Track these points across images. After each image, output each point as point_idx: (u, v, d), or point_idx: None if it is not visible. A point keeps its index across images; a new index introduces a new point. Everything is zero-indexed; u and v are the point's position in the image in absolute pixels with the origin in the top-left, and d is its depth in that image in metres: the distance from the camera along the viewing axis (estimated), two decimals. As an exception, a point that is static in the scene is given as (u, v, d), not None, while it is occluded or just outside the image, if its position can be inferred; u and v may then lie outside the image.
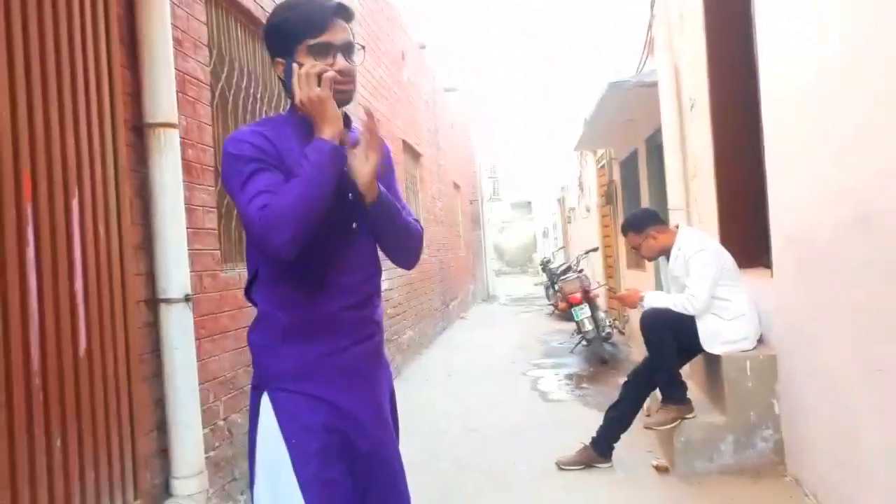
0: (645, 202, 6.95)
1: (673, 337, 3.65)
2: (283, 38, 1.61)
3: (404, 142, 8.68)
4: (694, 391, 4.09)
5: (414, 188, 9.48)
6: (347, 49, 1.62)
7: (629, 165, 8.05)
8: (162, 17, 2.82)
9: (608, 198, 9.43)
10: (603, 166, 9.87)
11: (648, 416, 3.98)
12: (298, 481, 1.56)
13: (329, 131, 1.55)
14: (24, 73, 2.16)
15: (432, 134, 11.17)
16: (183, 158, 3.01)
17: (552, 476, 3.83)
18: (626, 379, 4.00)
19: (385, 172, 1.69)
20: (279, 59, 1.63)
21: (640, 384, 3.86)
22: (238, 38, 4.01)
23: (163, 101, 2.82)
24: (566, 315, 9.37)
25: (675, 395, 3.68)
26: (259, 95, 4.23)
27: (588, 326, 7.52)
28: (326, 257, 1.62)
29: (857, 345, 2.61)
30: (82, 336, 2.37)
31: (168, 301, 2.82)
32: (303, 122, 1.62)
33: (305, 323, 1.62)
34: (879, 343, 2.42)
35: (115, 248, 2.57)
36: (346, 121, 1.65)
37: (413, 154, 9.50)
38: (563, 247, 18.25)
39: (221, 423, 3.33)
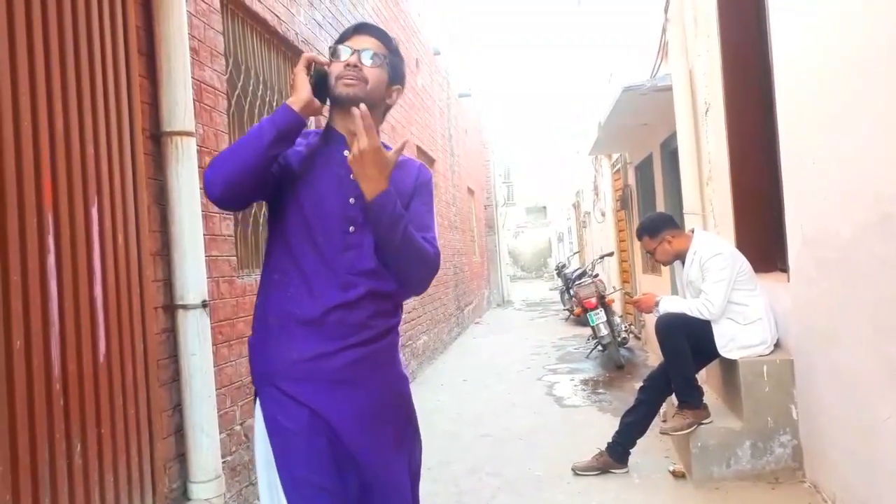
0: (660, 206, 6.91)
1: (689, 342, 3.63)
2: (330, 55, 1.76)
3: (419, 148, 8.71)
4: (710, 396, 4.07)
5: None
6: (366, 55, 1.69)
7: (644, 169, 8.02)
8: (180, 27, 2.86)
9: (623, 202, 9.39)
10: (618, 170, 9.84)
11: (665, 421, 3.96)
12: (281, 481, 1.58)
13: (292, 98, 1.63)
14: (45, 83, 2.20)
15: (446, 140, 11.20)
16: (200, 166, 3.05)
17: (568, 481, 3.81)
18: (642, 384, 3.99)
19: (412, 192, 1.74)
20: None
21: (657, 389, 3.84)
22: (254, 47, 4.06)
23: (180, 110, 2.86)
24: (581, 320, 9.34)
25: (692, 400, 3.65)
26: (276, 103, 4.27)
27: (604, 331, 7.48)
28: (318, 259, 1.64)
29: (878, 346, 2.58)
30: (101, 342, 2.40)
31: (185, 307, 2.85)
32: (327, 129, 1.77)
33: (293, 324, 1.63)
34: (898, 347, 2.39)
35: (133, 255, 2.61)
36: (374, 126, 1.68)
37: (427, 160, 9.53)
38: (579, 251, 18.19)
39: (238, 427, 3.35)
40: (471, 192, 14.23)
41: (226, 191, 1.57)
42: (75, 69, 2.35)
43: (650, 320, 5.97)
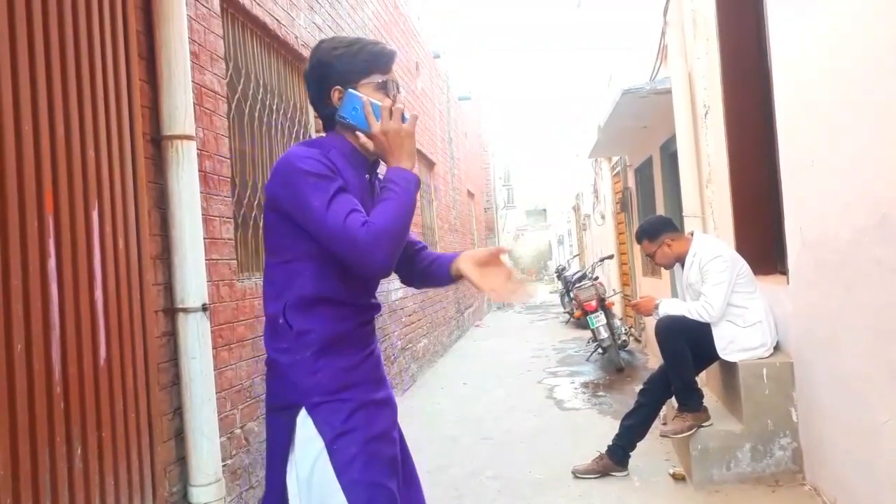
0: (660, 209, 6.92)
1: (688, 344, 3.63)
2: (347, 71, 1.69)
3: (419, 151, 8.72)
4: (710, 399, 4.07)
5: (428, 197, 9.50)
6: (399, 89, 1.75)
7: (644, 172, 8.03)
8: (180, 32, 2.87)
9: (623, 205, 9.40)
10: (618, 173, 9.85)
11: (665, 424, 3.96)
12: (340, 484, 1.59)
13: (409, 163, 1.66)
14: (46, 87, 2.21)
15: (446, 143, 11.22)
16: (200, 170, 3.06)
17: (568, 484, 3.81)
18: (642, 387, 3.99)
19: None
20: (337, 87, 1.68)
21: (656, 392, 3.85)
22: (254, 50, 4.07)
23: (180, 113, 2.86)
24: (581, 323, 9.35)
25: (692, 403, 3.66)
26: (275, 107, 4.28)
27: (604, 334, 7.49)
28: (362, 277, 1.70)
29: (877, 349, 2.58)
30: (102, 345, 2.40)
31: (186, 310, 2.85)
32: (353, 153, 1.72)
33: (338, 339, 1.67)
34: (897, 349, 2.40)
35: (133, 259, 2.61)
36: None
37: (427, 163, 9.54)
38: (579, 254, 18.19)
39: (238, 431, 3.35)
40: (471, 195, 14.24)
41: (395, 264, 1.64)
42: (76, 73, 2.35)
43: (650, 323, 5.97)
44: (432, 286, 1.99)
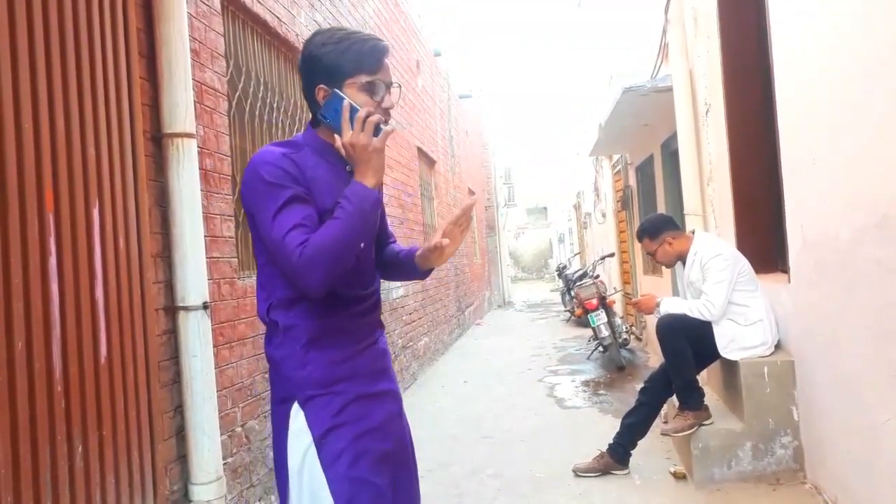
0: (661, 207, 6.92)
1: (689, 343, 3.63)
2: (333, 68, 1.62)
3: (419, 149, 8.72)
4: (711, 397, 4.07)
5: (429, 195, 9.50)
6: (395, 92, 1.69)
7: (645, 170, 8.02)
8: (180, 29, 2.87)
9: (624, 203, 9.40)
10: (618, 171, 9.84)
11: (665, 422, 3.96)
12: (326, 478, 1.59)
13: (374, 180, 1.58)
14: (47, 85, 2.21)
15: (447, 141, 11.21)
16: (200, 168, 3.06)
17: (568, 483, 3.82)
18: (642, 385, 3.99)
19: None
20: (322, 86, 1.63)
21: (657, 390, 3.85)
22: (254, 48, 4.06)
23: (181, 111, 2.86)
24: (582, 321, 9.34)
25: (693, 402, 3.65)
26: (276, 105, 4.27)
27: (604, 332, 7.48)
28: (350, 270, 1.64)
29: (878, 348, 2.58)
30: (103, 344, 2.40)
31: (186, 309, 2.85)
32: (327, 148, 1.68)
33: (326, 332, 1.65)
34: (899, 348, 2.39)
35: (134, 257, 2.61)
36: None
37: (428, 161, 9.54)
38: (580, 252, 18.19)
39: (239, 429, 3.36)
40: (471, 193, 14.23)
41: (330, 287, 1.57)
42: (76, 71, 2.35)
43: (651, 321, 5.97)
44: (400, 279, 1.99)
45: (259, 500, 3.44)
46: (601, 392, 6.25)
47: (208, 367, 2.92)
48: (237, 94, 3.78)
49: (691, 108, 5.03)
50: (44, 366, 2.11)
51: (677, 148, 5.21)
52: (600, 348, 7.69)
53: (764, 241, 4.16)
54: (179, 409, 2.87)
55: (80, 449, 2.25)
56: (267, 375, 3.54)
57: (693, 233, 3.99)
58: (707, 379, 4.47)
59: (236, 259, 3.48)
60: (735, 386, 3.74)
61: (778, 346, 3.70)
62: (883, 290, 2.50)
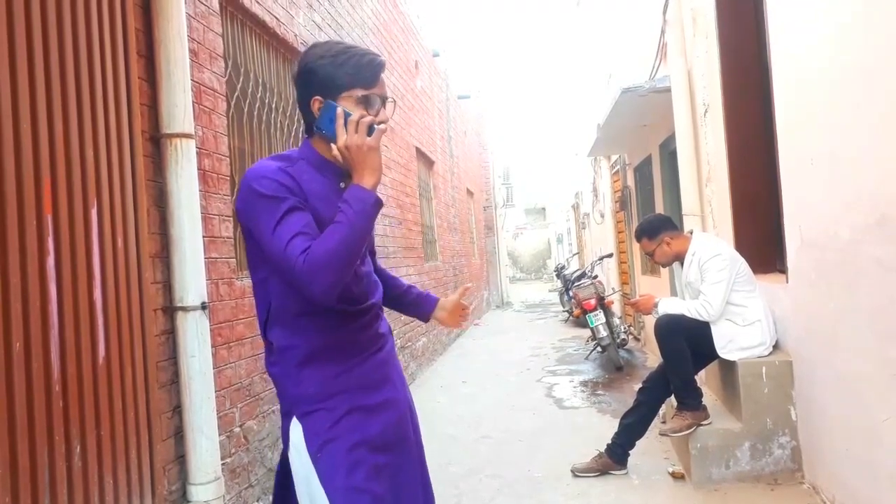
0: (659, 208, 6.92)
1: (688, 343, 3.63)
2: (329, 81, 1.62)
3: (418, 149, 8.72)
4: (709, 397, 4.07)
5: (427, 195, 9.50)
6: (389, 108, 1.70)
7: (643, 171, 8.02)
8: (179, 30, 2.86)
9: (622, 203, 9.40)
10: (617, 172, 9.85)
11: (664, 422, 3.96)
12: (325, 490, 1.60)
13: (371, 180, 1.57)
14: (45, 85, 2.21)
15: (446, 141, 11.21)
16: (199, 168, 3.05)
17: (567, 483, 3.82)
18: (641, 385, 3.99)
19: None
20: (318, 98, 1.62)
21: (656, 391, 3.85)
22: (253, 49, 4.06)
23: (179, 112, 2.86)
24: (581, 321, 9.34)
25: (691, 402, 3.66)
26: (274, 105, 4.27)
27: (603, 333, 7.49)
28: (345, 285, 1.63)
29: (877, 348, 2.59)
30: (101, 344, 2.40)
31: (185, 309, 2.85)
32: (323, 162, 1.66)
33: (321, 350, 1.66)
34: (897, 348, 2.40)
35: (132, 258, 2.61)
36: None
37: (426, 161, 9.54)
38: (578, 253, 18.19)
39: (237, 429, 3.35)
40: (470, 193, 14.24)
41: (339, 292, 1.56)
42: (74, 71, 2.35)
43: (649, 322, 5.97)
44: (404, 314, 2.12)
45: (257, 501, 3.44)
46: (599, 392, 6.25)
47: (207, 368, 2.91)
48: (236, 94, 3.78)
49: (690, 108, 5.04)
50: (42, 366, 2.11)
51: (676, 148, 5.22)
52: (598, 348, 7.69)
53: (762, 241, 4.16)
54: (178, 410, 2.87)
55: (78, 449, 2.25)
56: (265, 375, 3.55)
57: (691, 233, 3.99)
58: (705, 379, 4.48)
59: (234, 259, 3.48)
60: (733, 386, 3.75)
61: (776, 347, 3.71)
62: (882, 290, 2.51)
